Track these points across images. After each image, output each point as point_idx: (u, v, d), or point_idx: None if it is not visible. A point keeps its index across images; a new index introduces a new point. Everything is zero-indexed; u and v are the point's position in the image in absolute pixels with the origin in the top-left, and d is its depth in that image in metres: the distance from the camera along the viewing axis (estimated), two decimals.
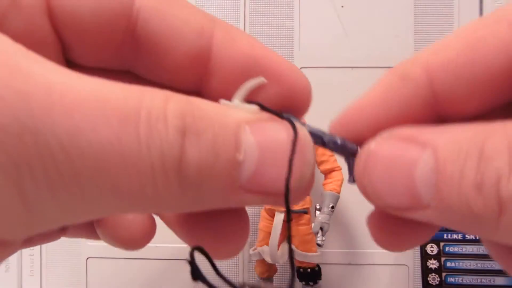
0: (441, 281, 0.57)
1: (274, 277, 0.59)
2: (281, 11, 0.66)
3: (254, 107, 0.13)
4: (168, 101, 0.11)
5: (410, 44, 0.64)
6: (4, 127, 0.09)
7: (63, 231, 0.19)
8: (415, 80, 0.15)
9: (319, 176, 0.56)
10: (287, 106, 0.14)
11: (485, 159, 0.11)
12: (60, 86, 0.09)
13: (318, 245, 0.51)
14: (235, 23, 0.66)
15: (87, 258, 0.66)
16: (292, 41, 0.65)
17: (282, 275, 0.64)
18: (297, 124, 0.13)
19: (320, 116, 0.62)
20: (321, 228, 0.51)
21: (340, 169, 0.54)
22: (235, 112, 0.12)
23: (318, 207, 0.53)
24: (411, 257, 0.63)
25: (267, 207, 0.55)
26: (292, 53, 0.65)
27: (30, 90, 0.09)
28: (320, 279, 0.55)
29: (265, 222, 0.56)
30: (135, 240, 0.19)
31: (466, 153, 0.12)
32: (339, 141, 0.15)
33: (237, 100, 0.13)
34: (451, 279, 0.56)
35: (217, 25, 0.14)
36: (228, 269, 0.65)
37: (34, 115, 0.09)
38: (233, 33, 0.14)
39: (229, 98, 0.13)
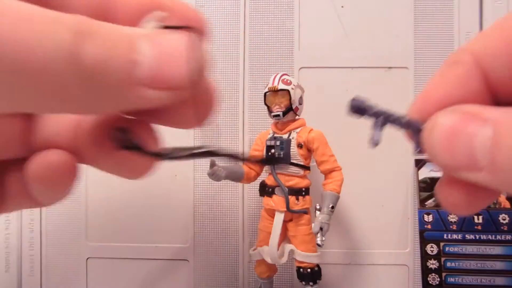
0: (441, 281, 0.57)
1: (274, 277, 0.59)
2: (281, 11, 0.66)
3: (160, 25, 0.16)
4: (67, 15, 0.13)
5: (410, 44, 0.64)
6: None
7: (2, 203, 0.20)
8: (465, 63, 0.18)
9: (319, 176, 0.56)
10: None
11: None
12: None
13: (318, 245, 0.51)
14: (235, 23, 0.66)
15: (87, 258, 0.66)
16: (292, 41, 0.65)
17: (282, 275, 0.64)
18: (181, 33, 0.16)
19: (320, 116, 0.62)
20: (321, 228, 0.51)
21: (340, 169, 0.54)
22: (131, 28, 0.15)
23: (318, 207, 0.53)
24: (411, 257, 0.63)
25: (267, 207, 0.55)
26: (292, 53, 0.65)
27: None
28: (320, 279, 0.55)
29: (265, 222, 0.56)
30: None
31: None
32: (404, 119, 0.19)
33: (146, 25, 0.16)
34: (451, 279, 0.56)
35: None
36: (228, 269, 0.65)
37: None
38: None
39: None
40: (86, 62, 0.13)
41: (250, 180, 0.57)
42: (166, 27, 0.16)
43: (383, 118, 0.18)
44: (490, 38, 0.17)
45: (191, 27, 0.16)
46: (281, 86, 0.54)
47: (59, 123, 0.19)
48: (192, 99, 0.16)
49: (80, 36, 0.13)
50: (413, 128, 0.18)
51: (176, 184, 0.65)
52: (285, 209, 0.53)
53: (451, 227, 0.57)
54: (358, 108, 0.18)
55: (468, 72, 0.17)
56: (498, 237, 0.56)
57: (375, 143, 0.18)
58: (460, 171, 0.16)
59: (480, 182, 0.16)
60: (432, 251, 0.57)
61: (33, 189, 0.19)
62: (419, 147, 0.18)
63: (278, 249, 0.54)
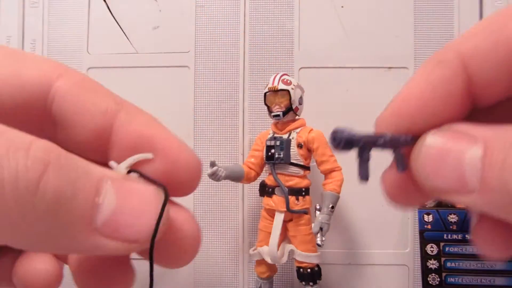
0: (441, 281, 0.57)
1: (274, 277, 0.59)
2: (281, 11, 0.66)
3: (134, 174, 0.16)
4: (37, 139, 0.13)
5: (410, 44, 0.64)
6: None
7: None
8: (449, 63, 0.17)
9: (319, 176, 0.56)
10: (174, 182, 0.16)
11: None
12: None
13: (318, 245, 0.51)
14: (235, 23, 0.66)
15: None
16: (292, 41, 0.65)
17: (282, 275, 0.64)
18: (150, 185, 0.15)
19: (320, 116, 0.62)
20: (321, 228, 0.51)
21: (340, 169, 0.54)
22: (104, 169, 0.15)
23: (318, 207, 0.53)
24: (411, 257, 0.63)
25: (267, 207, 0.55)
26: (292, 53, 0.65)
27: None
28: (320, 279, 0.55)
29: (265, 222, 0.56)
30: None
31: (510, 144, 0.14)
32: (388, 136, 0.18)
33: (123, 165, 0.15)
34: (451, 279, 0.56)
35: (122, 108, 0.17)
36: (229, 269, 0.65)
37: None
38: (134, 114, 0.17)
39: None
40: (43, 194, 0.12)
41: (250, 180, 0.57)
42: (141, 175, 0.16)
43: (365, 148, 0.18)
44: (478, 38, 0.16)
45: (162, 185, 0.16)
46: (281, 86, 0.54)
47: None
48: (164, 248, 0.16)
49: (44, 166, 0.13)
50: (396, 145, 0.18)
51: None
52: (285, 209, 0.53)
53: (451, 227, 0.57)
54: (346, 141, 0.17)
55: (453, 72, 0.17)
56: None
57: (364, 178, 0.18)
58: (450, 194, 0.16)
59: (471, 205, 0.15)
60: (432, 251, 0.57)
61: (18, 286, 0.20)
62: (403, 166, 0.17)
63: (278, 249, 0.54)
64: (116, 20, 0.66)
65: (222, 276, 0.65)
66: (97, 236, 0.14)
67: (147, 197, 0.15)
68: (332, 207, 0.52)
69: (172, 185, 0.16)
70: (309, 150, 0.54)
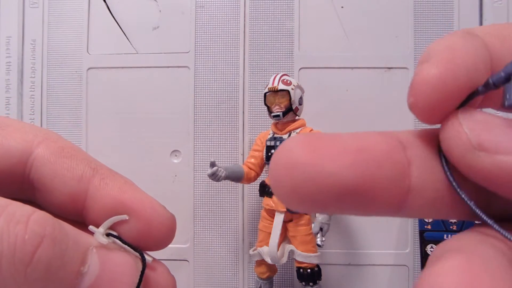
0: None
1: (274, 278, 0.59)
2: (281, 11, 0.66)
3: (110, 239, 0.17)
4: (34, 211, 0.14)
5: (410, 45, 0.64)
6: None
7: None
8: (477, 35, 0.15)
9: None
10: (149, 239, 0.18)
11: None
12: None
13: (318, 245, 0.51)
14: (235, 23, 0.66)
15: None
16: (292, 42, 0.65)
17: (282, 275, 0.64)
18: (130, 255, 0.17)
19: (320, 116, 0.62)
20: (321, 229, 0.51)
21: None
22: (90, 237, 0.16)
23: None
24: (411, 257, 0.63)
25: (267, 207, 0.55)
26: (292, 53, 0.65)
27: None
28: (320, 279, 0.55)
29: (265, 223, 0.56)
30: None
31: None
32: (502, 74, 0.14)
33: (101, 230, 0.17)
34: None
35: (97, 173, 0.18)
36: (229, 270, 0.65)
37: None
38: (108, 179, 0.18)
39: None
40: (36, 266, 0.13)
41: (250, 180, 0.57)
42: (119, 239, 0.17)
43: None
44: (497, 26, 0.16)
45: (139, 251, 0.17)
46: (281, 86, 0.54)
47: None
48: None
49: (40, 238, 0.14)
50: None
51: (176, 184, 0.65)
52: (285, 210, 0.53)
53: (451, 227, 0.57)
54: None
55: (480, 42, 0.15)
56: None
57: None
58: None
59: None
60: (432, 251, 0.57)
61: None
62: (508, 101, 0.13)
63: (278, 250, 0.54)
64: (116, 20, 0.66)
65: (222, 276, 0.65)
66: None
67: (126, 267, 0.16)
68: None
69: (148, 242, 0.18)
70: None
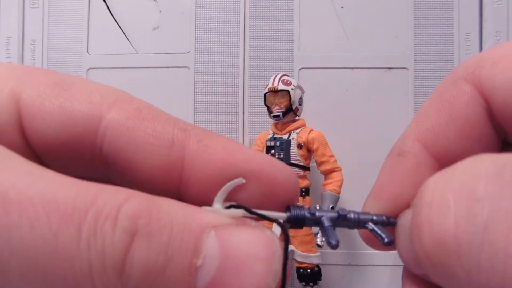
0: None
1: None
2: (281, 12, 0.66)
3: (239, 211, 0.13)
4: (127, 200, 0.11)
5: (410, 45, 0.64)
6: None
7: None
8: (411, 152, 0.16)
9: (319, 177, 0.56)
10: (273, 203, 0.14)
11: (413, 210, 0.13)
12: (5, 187, 0.10)
13: (318, 245, 0.51)
14: (235, 23, 0.66)
15: None
16: (292, 42, 0.65)
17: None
18: (262, 230, 0.13)
19: (320, 116, 0.62)
20: None
21: (340, 169, 0.54)
22: (205, 215, 0.12)
23: (318, 207, 0.52)
24: None
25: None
26: (292, 53, 0.65)
27: None
28: (320, 279, 0.55)
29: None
30: None
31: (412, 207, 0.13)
32: (352, 215, 0.16)
33: (217, 205, 0.13)
34: None
35: (190, 135, 0.14)
36: None
37: None
38: (207, 140, 0.14)
39: (211, 196, 0.13)
40: (130, 271, 0.11)
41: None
42: (250, 211, 0.13)
43: (329, 218, 0.16)
44: (430, 117, 0.15)
45: (278, 221, 0.13)
46: (281, 86, 0.54)
47: None
48: None
49: (131, 236, 0.11)
50: (365, 225, 0.16)
51: None
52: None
53: None
54: (297, 219, 0.15)
55: (416, 162, 0.16)
56: None
57: (334, 245, 0.15)
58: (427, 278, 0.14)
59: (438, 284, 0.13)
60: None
61: None
62: (387, 239, 0.16)
63: None
64: (116, 21, 0.66)
65: None
66: None
67: (259, 249, 0.12)
68: (332, 208, 0.52)
69: (272, 207, 0.14)
70: (309, 151, 0.54)
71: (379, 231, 0.16)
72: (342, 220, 0.16)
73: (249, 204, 0.14)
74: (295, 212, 0.15)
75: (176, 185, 0.14)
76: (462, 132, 0.15)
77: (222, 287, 0.11)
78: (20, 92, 0.13)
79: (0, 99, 0.13)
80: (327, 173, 0.54)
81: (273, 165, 0.14)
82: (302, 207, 0.15)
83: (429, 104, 0.16)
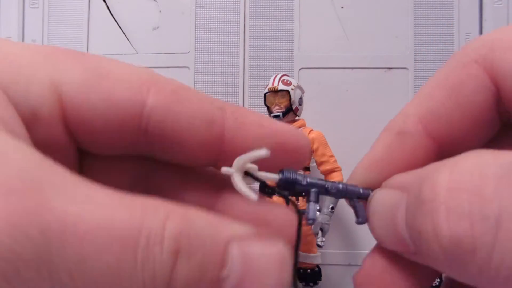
0: (441, 281, 0.57)
1: None
2: (281, 12, 0.66)
3: (253, 195, 0.15)
4: (168, 219, 0.12)
5: (409, 45, 0.64)
6: (27, 262, 0.11)
7: None
8: (411, 133, 0.16)
9: (319, 177, 0.56)
10: (295, 161, 0.16)
11: (422, 206, 0.12)
12: (74, 218, 0.11)
13: (318, 246, 0.51)
14: (235, 23, 0.66)
15: None
16: (292, 42, 0.65)
17: None
18: (276, 244, 0.14)
19: (320, 116, 0.62)
20: (321, 229, 0.51)
21: (340, 169, 0.54)
22: (229, 228, 0.13)
23: (318, 208, 0.52)
24: None
25: None
26: (292, 54, 0.65)
27: (50, 226, 0.11)
28: (320, 279, 0.55)
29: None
30: None
31: (414, 199, 0.13)
32: (341, 187, 0.17)
33: (235, 168, 0.15)
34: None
35: (226, 112, 0.15)
36: None
37: (51, 249, 0.11)
38: (242, 117, 0.16)
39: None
40: (175, 285, 0.12)
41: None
42: (264, 191, 0.15)
43: (317, 191, 0.17)
44: (435, 100, 0.15)
45: (292, 200, 0.15)
46: (281, 86, 0.54)
47: None
48: None
49: (176, 255, 0.12)
50: (352, 197, 0.17)
51: None
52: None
53: None
54: (288, 182, 0.17)
55: (416, 144, 0.16)
56: None
57: (311, 219, 0.17)
58: (406, 255, 0.14)
59: (425, 264, 0.14)
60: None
61: None
62: (363, 219, 0.16)
63: None
64: (116, 21, 0.66)
65: None
66: None
67: (274, 262, 0.14)
68: (332, 208, 0.52)
69: (292, 165, 0.16)
70: None
71: (358, 209, 0.17)
72: (333, 190, 0.17)
73: (269, 167, 0.15)
74: (287, 174, 0.16)
75: (215, 159, 0.16)
76: (468, 117, 0.15)
77: None
78: (60, 83, 0.14)
79: (41, 92, 0.14)
80: (327, 173, 0.54)
81: (296, 135, 0.16)
82: (295, 171, 0.17)
83: (434, 86, 0.16)
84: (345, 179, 0.52)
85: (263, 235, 0.14)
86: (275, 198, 0.18)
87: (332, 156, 0.54)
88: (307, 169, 0.55)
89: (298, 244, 0.14)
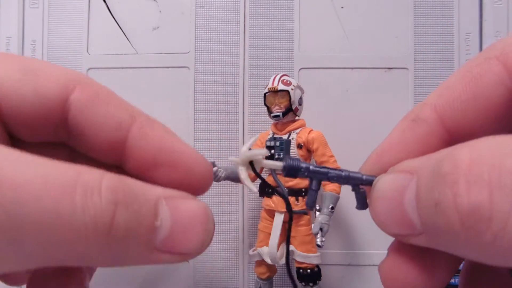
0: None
1: (274, 278, 0.59)
2: (281, 12, 0.66)
3: (254, 189, 0.19)
4: (103, 178, 0.14)
5: (410, 45, 0.64)
6: None
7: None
8: (426, 120, 0.17)
9: None
10: (188, 188, 0.18)
11: (442, 178, 0.13)
12: (11, 173, 0.13)
13: (318, 246, 0.51)
14: (235, 23, 0.66)
15: None
16: (292, 42, 0.65)
17: (282, 275, 0.64)
18: (198, 201, 0.17)
19: (320, 116, 0.62)
20: (321, 229, 0.51)
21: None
22: (156, 189, 0.16)
23: (318, 207, 0.53)
24: None
25: (267, 207, 0.55)
26: (292, 53, 0.65)
27: None
28: (319, 280, 0.55)
29: (265, 223, 0.56)
30: None
31: (431, 175, 0.13)
32: (343, 174, 0.18)
33: (244, 147, 0.17)
34: (451, 280, 0.56)
35: (135, 121, 0.17)
36: (229, 270, 0.65)
37: None
38: (148, 128, 0.18)
39: (144, 173, 0.17)
40: (116, 231, 0.14)
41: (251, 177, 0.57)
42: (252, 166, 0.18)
43: (319, 181, 0.18)
44: (453, 91, 0.16)
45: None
46: (281, 86, 0.53)
47: None
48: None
49: (115, 205, 0.14)
50: (355, 184, 0.18)
51: None
52: (285, 210, 0.53)
53: None
54: (292, 169, 0.18)
55: (429, 131, 0.17)
56: None
57: (310, 206, 0.18)
58: (410, 239, 0.15)
59: (427, 245, 0.15)
60: None
61: None
62: (362, 205, 0.17)
63: (278, 250, 0.54)
64: (116, 21, 0.66)
65: (222, 276, 0.65)
66: (156, 253, 0.15)
67: (197, 215, 0.16)
68: (332, 208, 0.52)
69: (187, 191, 0.17)
70: (309, 151, 0.54)
71: (359, 196, 0.18)
72: (334, 176, 0.18)
73: (168, 183, 0.17)
74: (290, 162, 0.18)
75: (119, 160, 0.18)
76: (482, 110, 0.15)
77: (173, 241, 0.15)
78: None
79: None
80: None
81: (195, 161, 0.18)
82: (298, 159, 0.18)
83: (456, 78, 0.16)
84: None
85: (187, 195, 0.17)
86: (275, 198, 0.20)
87: (332, 156, 0.54)
88: None
89: (288, 238, 0.16)
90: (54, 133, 0.18)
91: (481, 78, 0.15)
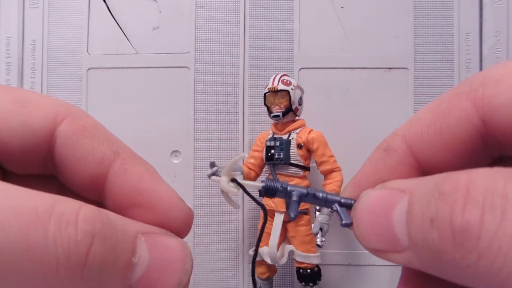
0: None
1: (274, 278, 0.59)
2: (281, 11, 0.66)
3: (235, 185, 0.18)
4: (81, 208, 0.14)
5: (410, 45, 0.64)
6: None
7: None
8: (396, 150, 0.18)
9: (319, 177, 0.56)
10: (166, 228, 0.18)
11: (442, 196, 0.13)
12: None
13: (318, 245, 0.51)
14: (235, 23, 0.66)
15: None
16: (292, 42, 0.65)
17: (282, 275, 0.64)
18: (178, 239, 0.17)
19: (320, 116, 0.62)
20: (321, 229, 0.51)
21: (340, 169, 0.54)
22: (135, 224, 0.16)
23: (317, 207, 0.52)
24: None
25: (267, 207, 0.55)
26: (292, 53, 0.65)
27: None
28: (319, 280, 0.55)
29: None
30: None
31: (429, 193, 0.14)
32: (320, 195, 0.19)
33: (224, 177, 0.18)
34: None
35: (118, 157, 0.17)
36: (228, 270, 0.65)
37: None
38: (129, 165, 0.17)
39: (122, 212, 0.17)
40: (91, 265, 0.13)
41: (249, 180, 0.57)
42: (238, 184, 0.18)
43: (299, 196, 0.19)
44: (422, 124, 0.17)
45: (261, 203, 0.18)
46: (281, 86, 0.53)
47: None
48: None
49: (92, 236, 0.13)
50: (332, 205, 0.18)
51: (176, 184, 0.65)
52: (285, 210, 0.53)
53: None
54: (269, 189, 0.19)
55: (399, 160, 0.17)
56: None
57: (293, 217, 0.19)
58: (388, 255, 0.15)
59: (406, 263, 0.15)
60: None
61: None
62: (345, 221, 0.18)
63: (278, 250, 0.54)
64: (116, 21, 0.66)
65: (222, 276, 0.65)
66: None
67: (176, 253, 0.16)
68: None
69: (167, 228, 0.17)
70: (309, 151, 0.54)
71: (340, 213, 0.18)
72: (311, 197, 0.19)
73: (147, 222, 0.17)
74: (268, 183, 0.19)
75: (99, 195, 0.18)
76: (448, 146, 0.16)
77: (149, 280, 0.15)
78: None
79: None
80: (327, 173, 0.54)
81: (172, 203, 0.18)
82: (277, 180, 0.20)
83: (426, 110, 0.17)
84: (345, 179, 0.53)
85: (167, 233, 0.17)
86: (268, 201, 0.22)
87: (332, 156, 0.54)
88: (307, 169, 0.55)
89: (259, 240, 0.18)
90: (44, 166, 0.18)
91: (449, 113, 0.16)
